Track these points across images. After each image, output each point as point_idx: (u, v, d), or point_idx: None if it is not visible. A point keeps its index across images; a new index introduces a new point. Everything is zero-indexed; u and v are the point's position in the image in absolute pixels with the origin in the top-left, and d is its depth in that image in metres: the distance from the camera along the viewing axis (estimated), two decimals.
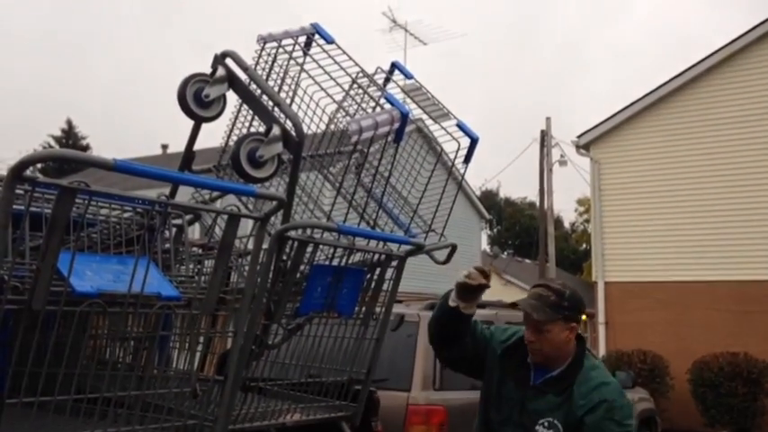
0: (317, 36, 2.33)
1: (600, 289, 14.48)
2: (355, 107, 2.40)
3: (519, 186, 45.60)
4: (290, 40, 2.32)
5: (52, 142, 41.38)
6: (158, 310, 1.71)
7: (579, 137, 14.95)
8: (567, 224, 47.29)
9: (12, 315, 1.51)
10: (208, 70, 2.19)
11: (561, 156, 20.21)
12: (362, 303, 2.41)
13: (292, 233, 2.10)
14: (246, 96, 2.18)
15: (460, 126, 2.53)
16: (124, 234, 1.99)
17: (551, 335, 2.51)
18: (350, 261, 2.31)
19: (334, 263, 2.26)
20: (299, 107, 2.37)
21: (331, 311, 2.30)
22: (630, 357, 12.66)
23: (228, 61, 2.17)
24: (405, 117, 2.21)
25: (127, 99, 72.80)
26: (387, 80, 2.57)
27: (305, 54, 2.32)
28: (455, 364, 2.69)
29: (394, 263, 2.43)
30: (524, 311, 2.49)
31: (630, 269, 14.16)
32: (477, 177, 44.53)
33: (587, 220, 35.92)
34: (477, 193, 33.56)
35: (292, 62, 2.31)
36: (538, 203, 22.50)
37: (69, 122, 42.17)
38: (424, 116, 2.52)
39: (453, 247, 2.66)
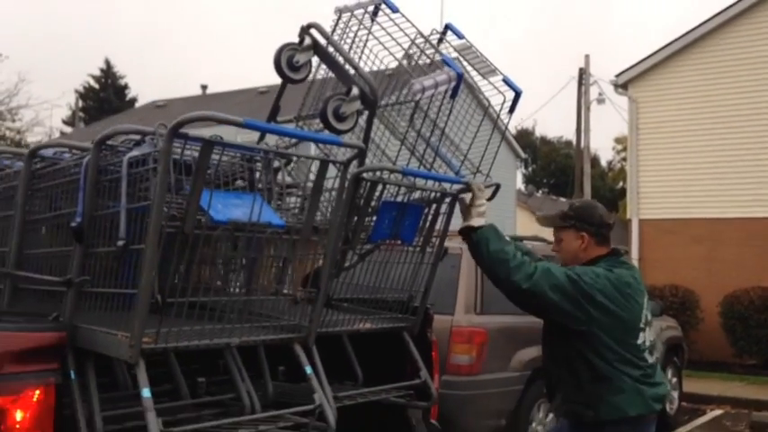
0: (383, 5, 2.73)
1: (634, 226, 14.77)
2: (413, 65, 2.82)
3: (555, 125, 45.29)
4: (361, 10, 2.73)
5: (92, 82, 42.13)
6: (269, 235, 2.20)
7: (618, 76, 14.99)
8: (603, 162, 46.93)
9: (169, 237, 2.01)
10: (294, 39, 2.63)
11: (599, 94, 20.09)
12: (421, 234, 2.89)
13: (365, 175, 2.56)
14: (329, 61, 2.61)
15: (506, 81, 2.91)
16: (230, 175, 2.46)
17: (565, 243, 3.04)
18: (411, 198, 2.77)
19: (399, 200, 2.72)
20: (368, 66, 2.80)
21: (395, 240, 2.78)
22: (662, 291, 13.04)
23: (313, 31, 2.60)
24: (460, 77, 2.62)
25: (163, 39, 73.10)
26: (440, 41, 2.96)
27: (372, 21, 2.73)
28: None
29: (448, 199, 2.89)
30: (539, 222, 3.07)
31: (665, 206, 14.40)
32: (514, 116, 44.26)
33: (624, 159, 35.77)
34: (513, 131, 33.53)
35: (362, 28, 2.73)
36: (574, 142, 22.51)
37: (107, 62, 42.73)
38: (474, 72, 2.91)
39: (497, 186, 3.09)
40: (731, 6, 13.50)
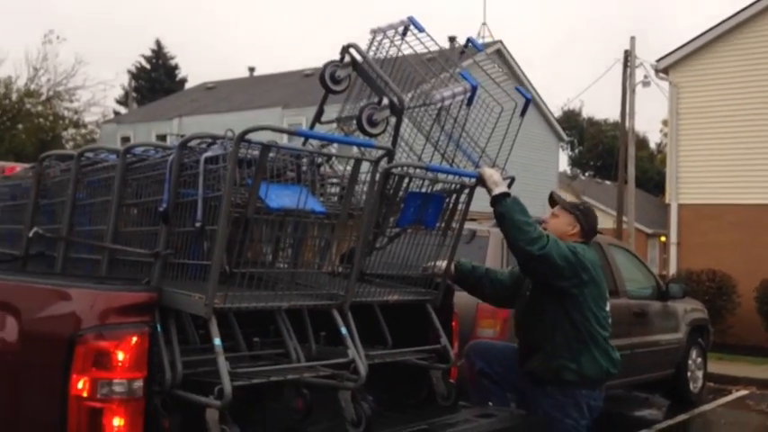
0: (411, 26, 3.22)
1: (673, 210, 14.93)
2: (436, 78, 3.32)
3: (603, 106, 44.92)
4: (393, 30, 3.22)
5: (143, 62, 43.38)
6: (313, 219, 2.73)
7: (659, 60, 15.08)
8: (652, 145, 46.26)
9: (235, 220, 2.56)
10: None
11: (645, 76, 19.91)
12: (443, 220, 3.39)
13: (395, 170, 3.08)
14: (365, 76, 3.12)
15: (518, 89, 3.42)
16: (282, 168, 2.99)
17: (559, 222, 3.69)
18: (434, 189, 3.27)
19: (423, 190, 3.22)
20: (398, 79, 3.30)
21: (420, 225, 3.29)
22: (699, 276, 13.23)
23: (352, 50, 3.11)
24: (474, 89, 3.12)
25: (213, 21, 74.27)
26: (462, 53, 3.44)
27: (402, 40, 3.23)
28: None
29: (466, 190, 3.39)
30: (551, 200, 3.77)
31: (704, 191, 14.51)
32: (560, 97, 43.96)
33: None
34: (559, 113, 33.37)
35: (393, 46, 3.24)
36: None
37: (158, 43, 43.85)
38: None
39: (512, 179, 3.57)
40: None
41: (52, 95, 28.66)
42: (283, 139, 3.39)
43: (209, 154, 2.57)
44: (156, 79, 42.67)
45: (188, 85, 40.38)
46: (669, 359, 7.58)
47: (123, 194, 2.94)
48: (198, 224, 2.58)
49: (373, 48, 3.27)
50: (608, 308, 3.67)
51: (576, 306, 3.49)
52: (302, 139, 3.13)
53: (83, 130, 29.94)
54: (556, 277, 3.42)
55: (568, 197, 3.84)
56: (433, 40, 3.20)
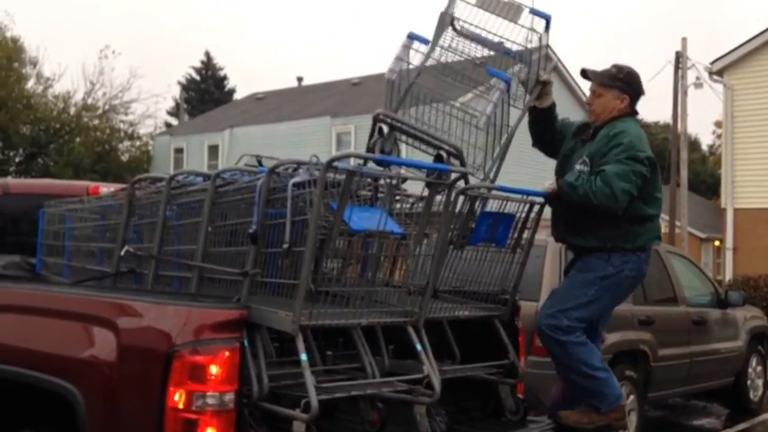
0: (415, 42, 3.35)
1: (729, 215, 14.69)
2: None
3: (653, 108, 44.25)
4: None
5: (193, 74, 44.37)
6: (393, 239, 2.87)
7: (713, 63, 14.86)
8: (704, 146, 45.25)
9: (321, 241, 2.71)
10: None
11: (696, 78, 19.52)
12: (512, 238, 3.49)
13: (468, 192, 3.21)
14: (409, 134, 3.31)
15: (533, 11, 3.36)
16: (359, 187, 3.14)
17: (603, 99, 3.64)
18: (505, 209, 3.38)
19: (494, 210, 3.34)
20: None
21: (491, 243, 3.40)
22: (757, 281, 12.97)
23: (382, 118, 3.27)
24: (508, 83, 3.22)
25: (260, 31, 75.55)
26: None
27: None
28: (550, 148, 3.86)
29: (536, 208, 3.49)
30: (584, 75, 3.68)
31: (761, 195, 14.23)
32: None
33: None
34: None
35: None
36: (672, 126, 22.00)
37: (207, 54, 44.79)
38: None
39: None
40: None
41: (108, 109, 29.55)
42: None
43: (297, 179, 2.72)
44: (205, 90, 43.59)
45: (236, 96, 41.17)
46: (729, 367, 7.52)
47: (213, 216, 3.12)
48: (285, 245, 2.73)
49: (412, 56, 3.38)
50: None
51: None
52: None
53: (137, 143, 30.74)
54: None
55: None
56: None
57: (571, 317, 3.53)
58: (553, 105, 3.72)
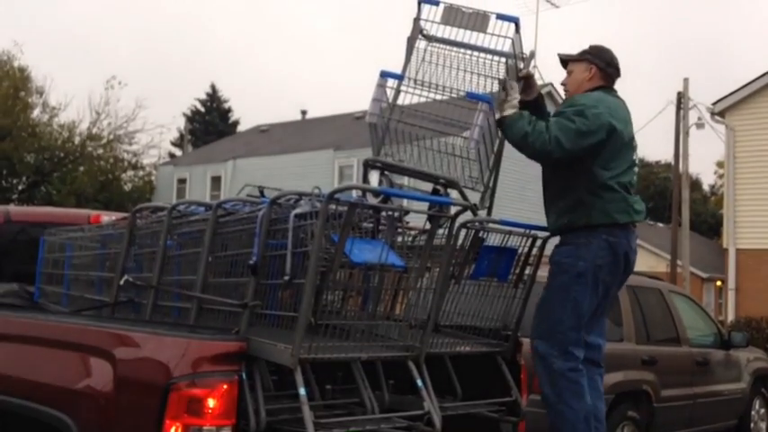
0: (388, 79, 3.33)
1: (731, 255, 14.65)
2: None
3: (655, 147, 44.56)
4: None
5: (198, 105, 44.73)
6: (395, 272, 2.83)
7: (714, 104, 14.97)
8: (705, 186, 45.35)
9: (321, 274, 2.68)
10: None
11: (698, 118, 19.62)
12: (514, 273, 3.46)
13: (470, 225, 3.18)
14: (404, 172, 3.31)
15: (500, 16, 3.34)
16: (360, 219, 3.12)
17: (574, 74, 3.62)
18: (507, 242, 3.36)
19: (497, 244, 3.31)
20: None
21: (493, 277, 3.37)
22: (759, 323, 12.87)
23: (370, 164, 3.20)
24: (490, 104, 3.21)
25: (265, 64, 76.53)
26: (416, 20, 3.40)
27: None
28: None
29: (538, 242, 3.46)
30: (560, 57, 3.65)
31: (763, 236, 14.21)
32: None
33: None
34: None
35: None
36: (673, 166, 22.06)
37: (213, 86, 45.19)
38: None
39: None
40: None
41: (113, 139, 29.70)
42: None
43: (298, 211, 2.71)
44: (209, 122, 43.88)
45: (240, 128, 41.41)
46: (732, 409, 7.41)
47: (214, 246, 3.10)
48: (286, 277, 2.71)
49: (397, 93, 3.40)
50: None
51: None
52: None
53: (140, 172, 30.87)
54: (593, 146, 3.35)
55: None
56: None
57: (567, 339, 3.47)
58: (540, 96, 3.67)
